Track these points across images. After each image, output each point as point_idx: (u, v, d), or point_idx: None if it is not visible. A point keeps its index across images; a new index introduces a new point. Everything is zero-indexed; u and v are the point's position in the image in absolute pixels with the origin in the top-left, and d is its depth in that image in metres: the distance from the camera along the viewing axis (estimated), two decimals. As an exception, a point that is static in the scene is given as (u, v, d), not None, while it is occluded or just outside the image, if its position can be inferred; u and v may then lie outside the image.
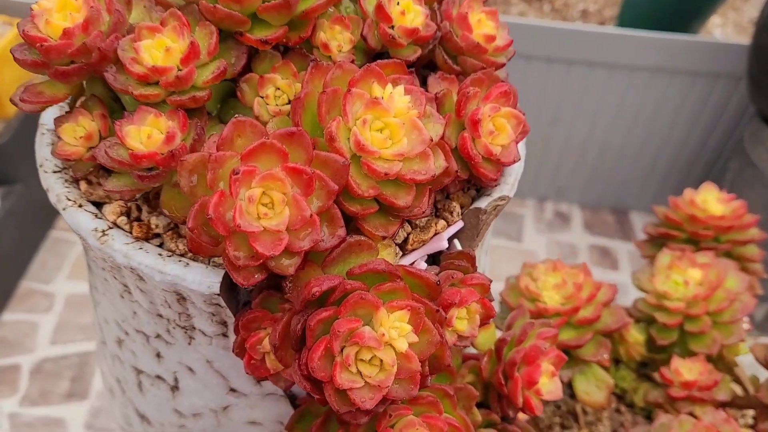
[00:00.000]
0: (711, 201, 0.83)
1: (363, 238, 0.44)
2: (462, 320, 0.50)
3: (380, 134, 0.44)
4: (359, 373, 0.41)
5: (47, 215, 1.57)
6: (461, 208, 0.53)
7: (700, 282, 0.73)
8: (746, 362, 0.84)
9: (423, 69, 0.57)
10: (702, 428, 0.61)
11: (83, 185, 0.50)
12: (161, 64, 0.44)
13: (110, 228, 0.47)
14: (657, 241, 0.88)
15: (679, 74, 1.40)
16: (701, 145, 1.55)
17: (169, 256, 0.46)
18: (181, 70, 0.45)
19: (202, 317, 0.49)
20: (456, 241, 0.53)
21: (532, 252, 1.61)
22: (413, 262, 0.51)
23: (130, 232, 0.48)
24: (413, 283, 0.44)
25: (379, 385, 0.41)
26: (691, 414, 0.68)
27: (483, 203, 0.52)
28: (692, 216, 0.83)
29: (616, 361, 0.84)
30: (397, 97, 0.45)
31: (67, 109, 0.54)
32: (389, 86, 0.45)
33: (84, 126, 0.48)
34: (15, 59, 0.47)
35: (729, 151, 1.52)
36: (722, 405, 0.72)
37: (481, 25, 0.53)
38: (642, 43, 1.34)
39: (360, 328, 0.41)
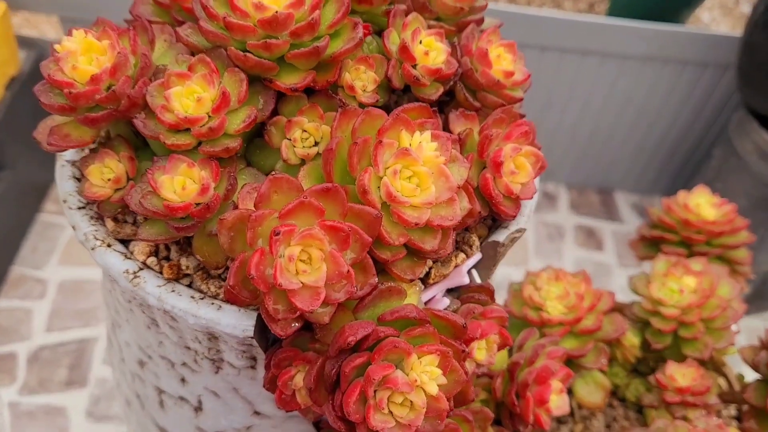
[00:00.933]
0: (704, 205, 0.86)
1: (393, 284, 0.46)
2: (481, 350, 0.53)
3: (409, 183, 0.45)
4: (391, 413, 0.43)
5: (35, 198, 1.55)
6: (479, 239, 0.55)
7: (694, 290, 0.76)
8: (733, 359, 0.89)
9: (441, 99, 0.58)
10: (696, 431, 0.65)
11: (110, 222, 0.51)
12: (193, 113, 0.44)
13: (141, 269, 0.48)
14: (651, 243, 0.91)
15: (669, 63, 1.42)
16: (687, 130, 1.58)
17: (202, 299, 0.47)
18: (212, 118, 0.45)
19: (232, 353, 0.51)
20: (474, 272, 0.55)
21: (520, 232, 1.64)
22: (434, 297, 0.53)
23: (160, 272, 0.49)
24: (440, 325, 0.46)
25: (409, 424, 0.43)
26: (684, 417, 0.72)
27: (501, 236, 0.54)
28: (685, 220, 0.85)
29: (610, 358, 0.88)
30: (425, 145, 0.46)
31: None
32: (417, 134, 0.46)
33: (111, 167, 0.49)
34: (41, 103, 0.47)
35: (713, 136, 1.55)
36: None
37: (501, 61, 0.54)
38: (633, 32, 1.35)
39: (393, 373, 0.43)
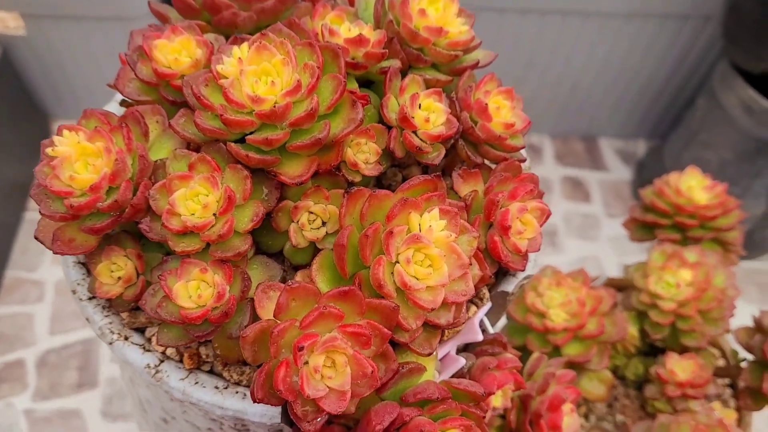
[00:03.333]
0: (696, 188, 0.87)
1: (412, 363, 0.47)
2: (498, 398, 0.55)
3: (422, 268, 0.45)
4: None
5: (18, 197, 1.52)
6: (488, 287, 0.56)
7: (691, 282, 0.78)
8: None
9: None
10: (698, 429, 0.69)
11: (124, 312, 0.51)
12: (199, 219, 0.44)
13: (161, 362, 0.49)
14: (644, 226, 0.92)
15: (650, 17, 1.39)
16: (670, 78, 1.56)
17: (226, 388, 0.48)
18: (219, 220, 0.44)
19: (258, 429, 0.52)
20: (485, 319, 0.56)
21: (508, 189, 1.66)
22: (448, 353, 0.54)
23: (180, 360, 0.49)
24: (461, 395, 0.48)
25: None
26: (686, 409, 0.76)
27: (509, 286, 0.55)
28: (678, 206, 0.87)
29: (610, 341, 0.91)
30: (434, 225, 0.46)
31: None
32: (426, 215, 0.46)
33: (119, 265, 0.48)
34: (41, 213, 0.46)
35: (697, 81, 1.54)
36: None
37: (500, 112, 0.53)
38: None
39: (420, 453, 0.45)
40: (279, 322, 0.42)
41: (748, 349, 0.80)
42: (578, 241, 1.59)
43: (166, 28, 0.52)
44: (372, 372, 0.42)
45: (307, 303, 0.42)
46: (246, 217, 0.45)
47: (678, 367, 0.76)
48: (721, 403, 0.85)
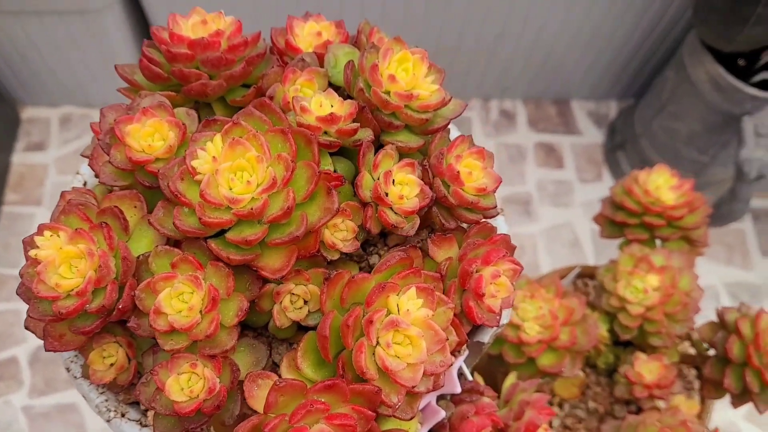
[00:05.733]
0: (663, 189, 0.90)
1: (395, 431, 0.50)
2: (476, 440, 0.59)
3: (402, 347, 0.48)
4: None
5: (-9, 190, 1.51)
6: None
7: (657, 287, 0.82)
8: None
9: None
10: (663, 431, 0.74)
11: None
12: (185, 319, 0.45)
13: (159, 437, 0.51)
14: (614, 223, 0.95)
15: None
16: (642, 43, 1.56)
17: (223, 459, 0.51)
18: (204, 318, 0.46)
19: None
20: (463, 365, 0.60)
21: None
22: (428, 404, 0.57)
23: (178, 433, 0.52)
24: (442, 455, 0.51)
25: None
26: (654, 407, 0.81)
27: (485, 337, 0.58)
28: (646, 206, 0.89)
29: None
30: (412, 306, 0.48)
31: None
32: (403, 297, 0.48)
33: (110, 352, 0.50)
34: (29, 315, 0.47)
35: (668, 48, 1.54)
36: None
37: (471, 177, 0.54)
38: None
39: None
40: (269, 418, 0.44)
41: (712, 345, 0.85)
42: (552, 208, 1.62)
43: (137, 110, 0.52)
44: (359, 457, 0.46)
45: (294, 397, 0.45)
46: (231, 312, 0.47)
47: (645, 370, 0.81)
48: (686, 395, 0.90)
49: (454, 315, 0.53)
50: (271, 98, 0.55)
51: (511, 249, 0.57)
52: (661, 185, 0.90)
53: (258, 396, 0.47)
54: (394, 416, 0.51)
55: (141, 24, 1.52)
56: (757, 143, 1.27)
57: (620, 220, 0.92)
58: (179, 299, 0.46)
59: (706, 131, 1.35)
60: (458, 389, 0.57)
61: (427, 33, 1.50)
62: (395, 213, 0.52)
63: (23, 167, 1.56)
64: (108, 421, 0.52)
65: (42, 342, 0.49)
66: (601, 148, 1.71)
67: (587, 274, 1.06)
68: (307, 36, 0.60)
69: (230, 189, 0.46)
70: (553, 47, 1.56)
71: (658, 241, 0.93)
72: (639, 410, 0.88)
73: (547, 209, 1.62)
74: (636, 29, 1.52)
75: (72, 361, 0.54)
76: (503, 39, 1.50)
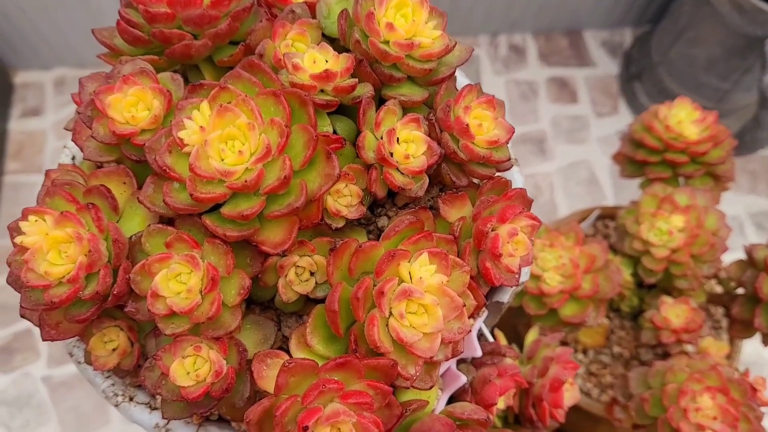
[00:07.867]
0: (686, 123, 0.85)
1: (415, 403, 0.48)
2: (501, 401, 0.57)
3: (417, 317, 0.45)
4: None
5: (-8, 161, 1.48)
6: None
7: (682, 228, 0.78)
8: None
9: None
10: (693, 377, 0.72)
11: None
12: (185, 303, 0.43)
13: (170, 420, 0.50)
14: (635, 162, 0.91)
15: None
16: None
17: (237, 439, 0.49)
18: (205, 299, 0.43)
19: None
20: (483, 327, 0.57)
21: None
22: (449, 369, 0.55)
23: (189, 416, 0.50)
24: (467, 423, 0.49)
25: None
26: (682, 351, 0.78)
27: (504, 296, 0.55)
28: (668, 142, 0.85)
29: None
30: (425, 273, 0.45)
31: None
32: (415, 264, 0.45)
33: (111, 337, 0.48)
34: (23, 306, 0.45)
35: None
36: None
37: (482, 129, 0.50)
38: None
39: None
40: (281, 400, 0.42)
41: (741, 284, 0.81)
42: (567, 145, 1.57)
43: (117, 78, 0.48)
44: (378, 428, 0.44)
45: (306, 377, 0.43)
46: (233, 290, 0.44)
47: (672, 314, 0.78)
48: (714, 335, 0.88)
49: (471, 277, 0.50)
50: (261, 56, 0.50)
51: (528, 203, 0.53)
52: (683, 119, 0.85)
53: (268, 376, 0.45)
54: (413, 386, 0.48)
55: (128, -22, 1.45)
56: (781, 66, 1.20)
57: (641, 159, 0.88)
58: (177, 280, 0.43)
59: (727, 56, 1.28)
60: (479, 352, 0.54)
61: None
62: (402, 174, 0.48)
63: (21, 135, 1.52)
64: (116, 405, 0.50)
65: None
66: (617, 80, 1.64)
67: (607, 214, 1.02)
68: (296, -17, 0.55)
69: (221, 160, 0.43)
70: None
71: (681, 179, 0.88)
72: (666, 354, 0.85)
73: (563, 147, 1.57)
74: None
75: (75, 346, 0.52)
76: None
